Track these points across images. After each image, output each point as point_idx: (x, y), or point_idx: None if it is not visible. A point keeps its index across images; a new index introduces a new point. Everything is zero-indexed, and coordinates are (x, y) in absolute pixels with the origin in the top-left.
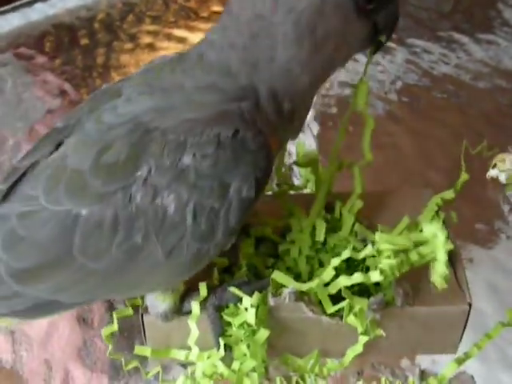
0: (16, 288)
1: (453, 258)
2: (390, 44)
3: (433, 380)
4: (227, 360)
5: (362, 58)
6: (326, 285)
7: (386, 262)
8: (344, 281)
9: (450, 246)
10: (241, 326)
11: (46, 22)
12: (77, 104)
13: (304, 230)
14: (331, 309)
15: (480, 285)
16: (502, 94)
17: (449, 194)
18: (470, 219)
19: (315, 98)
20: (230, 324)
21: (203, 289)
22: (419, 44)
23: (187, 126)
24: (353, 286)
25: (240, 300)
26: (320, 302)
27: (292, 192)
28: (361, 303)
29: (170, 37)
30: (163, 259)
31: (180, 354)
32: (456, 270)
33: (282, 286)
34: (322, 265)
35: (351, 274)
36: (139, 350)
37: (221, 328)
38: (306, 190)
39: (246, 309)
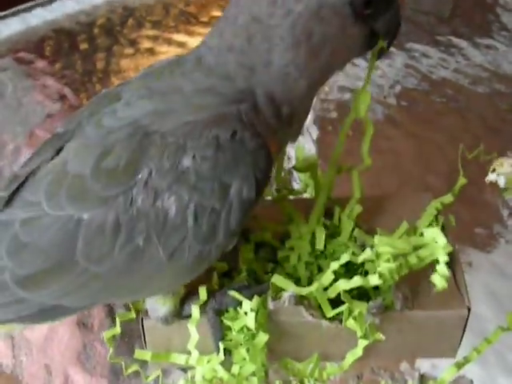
0: (21, 294)
1: (452, 262)
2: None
3: None
4: (227, 364)
5: (361, 62)
6: (326, 289)
7: (384, 266)
8: (343, 285)
9: (450, 249)
10: (240, 330)
11: (45, 26)
12: (76, 108)
13: (303, 237)
14: (331, 313)
15: (479, 289)
16: (501, 99)
17: (447, 199)
18: (469, 223)
19: (314, 102)
20: (229, 328)
21: (203, 293)
22: (418, 48)
23: (186, 129)
24: (352, 290)
25: (240, 304)
26: (319, 306)
27: (291, 196)
28: (360, 307)
29: (169, 41)
30: (165, 261)
31: (180, 358)
32: (455, 274)
33: (282, 290)
34: (321, 270)
35: (350, 278)
36: (139, 353)
37: (221, 332)
38: (306, 195)
39: (246, 313)
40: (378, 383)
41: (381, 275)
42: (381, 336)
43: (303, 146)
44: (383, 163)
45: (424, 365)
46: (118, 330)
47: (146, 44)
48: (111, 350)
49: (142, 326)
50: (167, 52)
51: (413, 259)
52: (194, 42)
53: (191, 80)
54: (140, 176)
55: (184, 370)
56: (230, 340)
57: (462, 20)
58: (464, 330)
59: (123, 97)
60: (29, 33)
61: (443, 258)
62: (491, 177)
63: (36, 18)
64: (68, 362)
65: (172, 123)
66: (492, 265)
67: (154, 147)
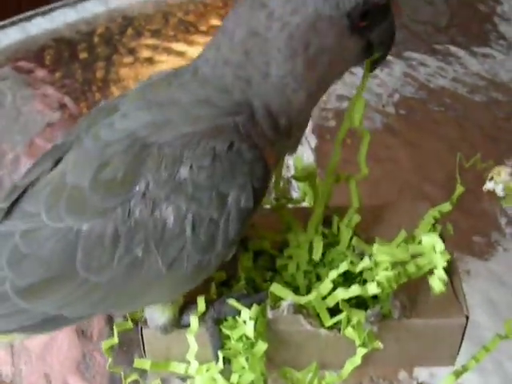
0: (22, 305)
1: (450, 270)
2: (388, 57)
3: None
4: (226, 373)
5: (359, 70)
6: (324, 298)
7: (383, 275)
8: (341, 294)
9: (448, 257)
10: (239, 338)
11: (45, 36)
12: (76, 117)
13: (301, 246)
14: (329, 321)
15: (477, 297)
16: (498, 107)
17: (445, 207)
18: (466, 231)
19: (313, 111)
20: (228, 337)
21: (201, 304)
22: (416, 57)
23: (184, 141)
24: (350, 298)
25: (239, 313)
26: (318, 315)
27: (290, 205)
28: (358, 316)
29: (169, 51)
30: (164, 271)
31: (179, 368)
32: (453, 282)
33: (281, 298)
34: (319, 279)
35: (349, 287)
36: (139, 363)
37: (220, 341)
38: (304, 203)
39: (245, 322)
40: None
41: (379, 284)
42: (379, 344)
43: (302, 154)
44: (382, 172)
45: (422, 373)
46: (115, 340)
47: (146, 53)
48: (110, 360)
49: (142, 335)
50: (166, 61)
51: (411, 268)
52: (193, 50)
53: (188, 92)
54: (138, 187)
55: (183, 379)
56: (229, 349)
57: (459, 29)
58: (462, 339)
59: (121, 108)
60: (29, 42)
61: (441, 263)
62: (489, 185)
63: (36, 27)
64: (67, 371)
65: (169, 135)
66: (490, 273)
67: (151, 158)
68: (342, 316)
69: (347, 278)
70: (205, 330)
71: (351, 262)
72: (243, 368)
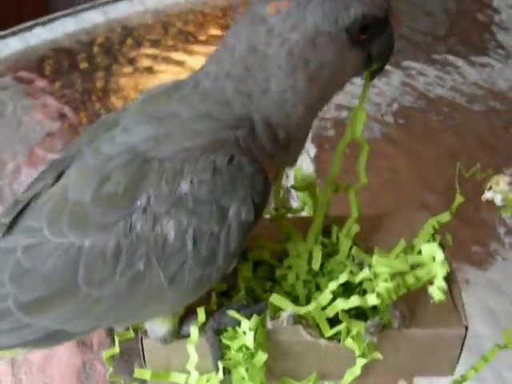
0: (25, 320)
1: (449, 280)
2: (386, 66)
3: None
4: (226, 383)
5: (358, 80)
6: (324, 308)
7: (382, 286)
8: (341, 304)
9: (447, 267)
10: (239, 349)
11: (45, 46)
12: (76, 127)
13: (301, 255)
14: (329, 332)
15: (476, 306)
16: (497, 116)
17: (445, 217)
18: (465, 241)
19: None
20: (228, 347)
21: (201, 315)
22: (415, 66)
23: (184, 155)
24: (350, 309)
25: (238, 323)
26: (318, 326)
27: (289, 215)
28: (358, 326)
29: (168, 60)
30: (166, 285)
31: (179, 378)
32: (452, 292)
33: (280, 309)
34: (319, 288)
35: (348, 298)
36: (139, 373)
37: (220, 351)
38: (304, 213)
39: (245, 332)
40: None
41: (379, 295)
42: (378, 355)
43: (301, 164)
44: (381, 181)
45: (422, 383)
46: (116, 349)
47: (145, 63)
48: (111, 369)
49: (142, 345)
50: (166, 71)
51: (410, 279)
52: (192, 60)
53: (189, 105)
54: (139, 202)
55: None
56: (229, 359)
57: (457, 38)
58: (462, 349)
59: (121, 123)
60: (29, 52)
61: (441, 272)
62: (487, 195)
63: (36, 38)
64: (68, 381)
65: (170, 149)
66: (489, 282)
67: (152, 173)
68: (341, 326)
69: (347, 288)
70: (205, 341)
71: (351, 272)
72: (243, 378)
